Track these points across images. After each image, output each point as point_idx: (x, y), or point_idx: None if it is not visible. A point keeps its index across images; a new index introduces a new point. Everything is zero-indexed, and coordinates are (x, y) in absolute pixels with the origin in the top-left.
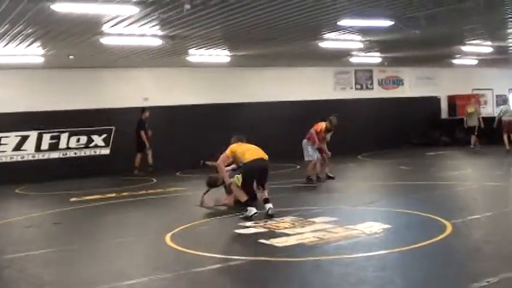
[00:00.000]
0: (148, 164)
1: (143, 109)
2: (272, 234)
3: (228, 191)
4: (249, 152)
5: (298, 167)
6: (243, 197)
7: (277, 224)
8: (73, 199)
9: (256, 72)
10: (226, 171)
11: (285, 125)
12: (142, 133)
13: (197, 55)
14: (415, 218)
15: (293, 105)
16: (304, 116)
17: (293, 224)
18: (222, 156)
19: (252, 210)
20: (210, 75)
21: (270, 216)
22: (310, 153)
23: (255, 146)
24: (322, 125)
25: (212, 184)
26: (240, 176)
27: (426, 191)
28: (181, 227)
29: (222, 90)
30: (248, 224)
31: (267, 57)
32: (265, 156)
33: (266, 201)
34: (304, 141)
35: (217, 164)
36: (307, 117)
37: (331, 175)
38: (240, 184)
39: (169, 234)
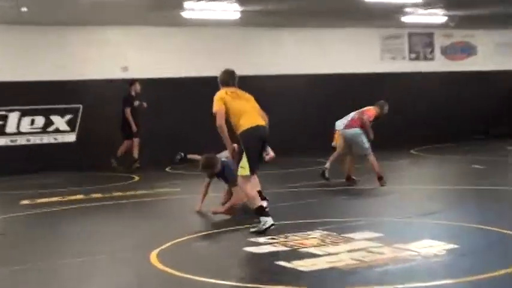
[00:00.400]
0: (132, 158)
1: (132, 81)
2: (295, 254)
3: (228, 190)
4: (247, 114)
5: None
6: (255, 201)
7: (301, 241)
8: (24, 202)
9: (274, 34)
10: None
11: (312, 107)
12: (129, 113)
13: (195, 9)
14: (491, 236)
15: (322, 81)
16: (337, 96)
17: (323, 240)
18: (217, 112)
19: (268, 221)
20: (211, 38)
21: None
22: (367, 145)
23: (249, 96)
24: (373, 111)
25: (210, 165)
26: (244, 161)
27: (508, 200)
28: (172, 242)
29: (227, 58)
30: (262, 239)
31: (289, 14)
32: (265, 119)
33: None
34: (353, 130)
35: (219, 125)
36: (341, 97)
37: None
38: (248, 172)
39: (156, 251)
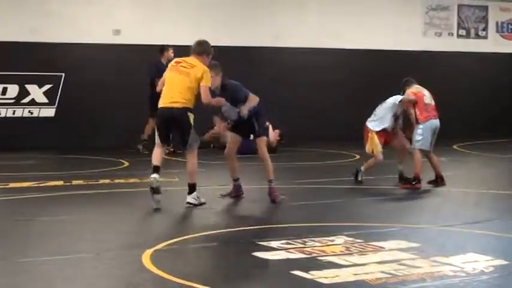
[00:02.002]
0: (143, 138)
1: (163, 48)
2: (314, 263)
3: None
4: (164, 90)
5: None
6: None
7: (321, 248)
8: None
9: (298, 1)
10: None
11: (340, 89)
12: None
13: None
14: None
15: (354, 57)
16: (367, 76)
17: (347, 248)
18: (203, 89)
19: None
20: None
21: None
22: (418, 138)
23: (185, 69)
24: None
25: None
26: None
27: None
28: (168, 242)
29: (237, 24)
30: (275, 244)
31: None
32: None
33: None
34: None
35: (210, 101)
36: (372, 78)
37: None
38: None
39: (149, 251)
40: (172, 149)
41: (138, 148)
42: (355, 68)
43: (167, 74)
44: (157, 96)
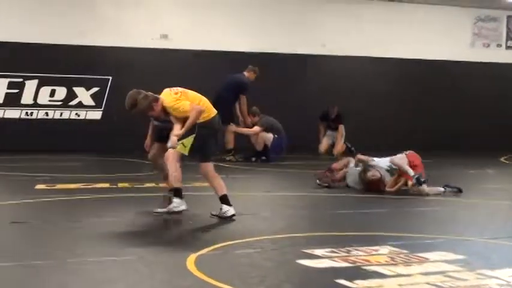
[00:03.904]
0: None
1: (252, 68)
2: (358, 272)
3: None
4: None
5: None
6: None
7: (366, 257)
8: (40, 186)
9: (341, 7)
10: None
11: (387, 98)
12: (245, 102)
13: None
14: None
15: (401, 66)
16: (419, 85)
17: (392, 259)
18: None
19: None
20: (271, 7)
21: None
22: None
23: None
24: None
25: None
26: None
27: None
28: (213, 247)
29: (289, 33)
30: (319, 252)
31: None
32: None
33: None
34: None
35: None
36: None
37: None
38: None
39: (193, 255)
40: (240, 159)
41: (230, 160)
42: (402, 77)
43: (191, 93)
44: (233, 109)
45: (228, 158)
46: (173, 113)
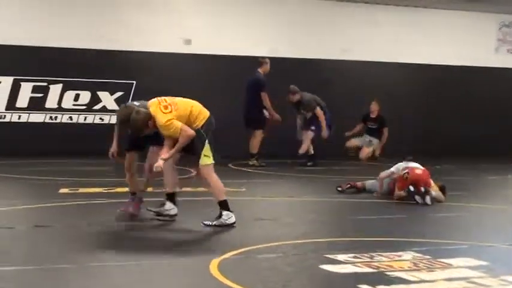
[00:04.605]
0: (252, 153)
1: (261, 60)
2: (381, 277)
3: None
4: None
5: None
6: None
7: (389, 263)
8: (63, 190)
9: (365, 11)
10: None
11: (409, 103)
12: (266, 97)
13: None
14: None
15: (424, 71)
16: (442, 91)
17: (415, 264)
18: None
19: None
20: (291, 12)
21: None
22: None
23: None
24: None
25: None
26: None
27: None
28: (236, 252)
29: (309, 37)
30: (342, 257)
31: None
32: None
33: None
34: None
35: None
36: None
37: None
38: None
39: (216, 260)
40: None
41: (253, 164)
42: (425, 83)
43: (181, 102)
44: (262, 109)
45: (251, 163)
46: (164, 132)
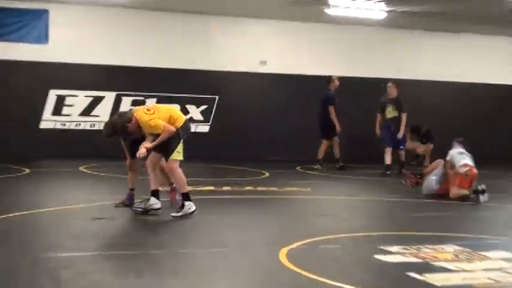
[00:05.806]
0: (336, 158)
1: (330, 78)
2: (427, 266)
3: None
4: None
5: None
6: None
7: (434, 254)
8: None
9: (410, 37)
10: None
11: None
12: (334, 112)
13: (340, 7)
14: None
15: (469, 90)
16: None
17: (457, 256)
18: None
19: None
20: (352, 38)
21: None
22: None
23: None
24: None
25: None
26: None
27: None
28: (301, 242)
29: (366, 59)
30: (393, 248)
31: (430, 17)
32: None
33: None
34: None
35: None
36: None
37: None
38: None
39: (285, 249)
40: (342, 164)
41: (317, 168)
42: (472, 99)
43: (162, 107)
44: (331, 121)
45: (315, 167)
46: (147, 129)
